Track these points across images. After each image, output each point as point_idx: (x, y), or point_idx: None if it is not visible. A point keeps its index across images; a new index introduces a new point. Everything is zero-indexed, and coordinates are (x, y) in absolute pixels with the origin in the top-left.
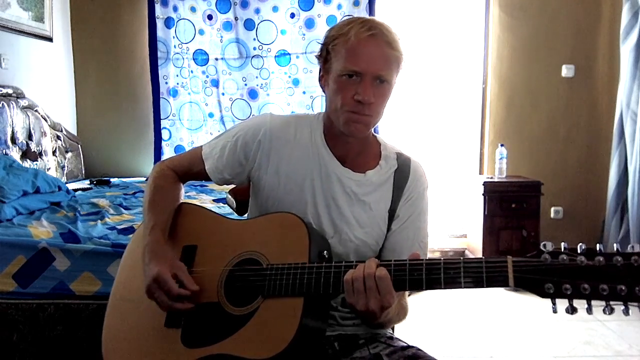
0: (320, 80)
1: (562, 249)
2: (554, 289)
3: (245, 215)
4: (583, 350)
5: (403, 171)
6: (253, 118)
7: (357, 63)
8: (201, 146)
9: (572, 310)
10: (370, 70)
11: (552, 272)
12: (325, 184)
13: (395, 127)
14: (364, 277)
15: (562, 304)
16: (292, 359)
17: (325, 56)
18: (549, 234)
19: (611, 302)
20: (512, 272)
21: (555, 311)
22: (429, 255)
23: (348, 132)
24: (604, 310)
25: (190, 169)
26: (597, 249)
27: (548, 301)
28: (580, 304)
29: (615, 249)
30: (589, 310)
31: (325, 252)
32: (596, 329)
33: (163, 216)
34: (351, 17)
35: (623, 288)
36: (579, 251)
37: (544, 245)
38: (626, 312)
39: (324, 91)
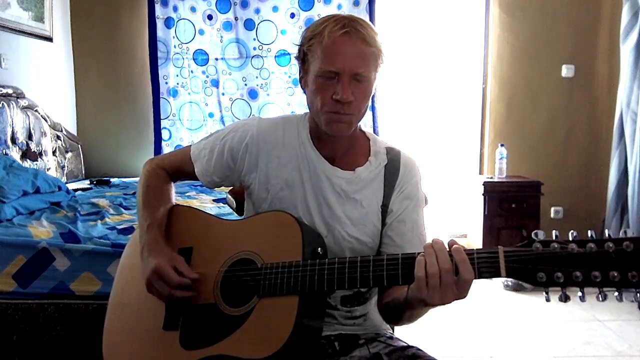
0: (300, 81)
1: (554, 237)
2: (546, 277)
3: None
4: (583, 350)
5: (393, 166)
6: (241, 121)
7: (333, 63)
8: (190, 146)
9: (565, 298)
10: (347, 69)
11: (544, 261)
12: (315, 184)
13: (395, 127)
14: (440, 272)
15: (555, 292)
16: (290, 357)
17: (302, 57)
18: (549, 234)
19: (604, 289)
20: (504, 262)
21: (548, 300)
22: None
23: (330, 132)
24: (597, 297)
25: (180, 168)
26: (589, 235)
27: (547, 300)
28: (573, 292)
29: (606, 234)
30: (582, 297)
31: (319, 248)
32: (596, 329)
33: (158, 214)
34: (325, 15)
35: (616, 274)
36: (570, 239)
37: (536, 234)
38: (619, 298)
39: (305, 92)
